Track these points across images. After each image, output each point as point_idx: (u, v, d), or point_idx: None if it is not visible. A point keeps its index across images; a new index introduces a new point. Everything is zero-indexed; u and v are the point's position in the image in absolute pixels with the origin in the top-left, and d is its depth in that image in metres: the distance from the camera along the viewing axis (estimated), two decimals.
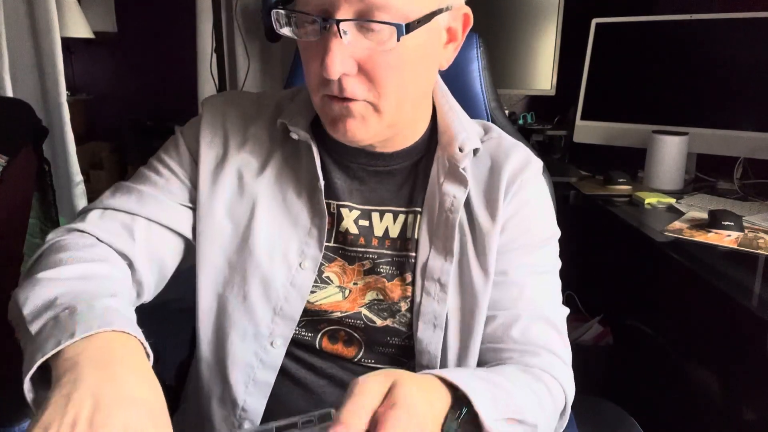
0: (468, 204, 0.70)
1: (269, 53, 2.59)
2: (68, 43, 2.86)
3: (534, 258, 0.71)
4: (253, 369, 0.69)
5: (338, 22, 0.55)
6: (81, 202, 2.12)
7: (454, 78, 0.95)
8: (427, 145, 0.73)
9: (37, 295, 0.55)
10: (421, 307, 0.68)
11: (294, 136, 0.69)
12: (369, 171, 0.71)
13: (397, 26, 0.55)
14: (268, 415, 0.69)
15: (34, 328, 0.52)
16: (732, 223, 1.17)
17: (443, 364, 0.69)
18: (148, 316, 0.78)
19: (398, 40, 0.56)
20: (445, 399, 0.51)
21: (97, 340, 0.49)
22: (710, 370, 1.50)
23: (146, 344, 0.52)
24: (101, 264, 0.62)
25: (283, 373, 0.71)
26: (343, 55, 0.56)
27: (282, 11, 0.59)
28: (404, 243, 0.71)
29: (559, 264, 0.74)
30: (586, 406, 0.81)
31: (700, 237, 1.17)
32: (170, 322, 0.82)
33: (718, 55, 1.54)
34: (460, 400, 0.52)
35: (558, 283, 0.74)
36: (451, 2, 0.61)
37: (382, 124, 0.63)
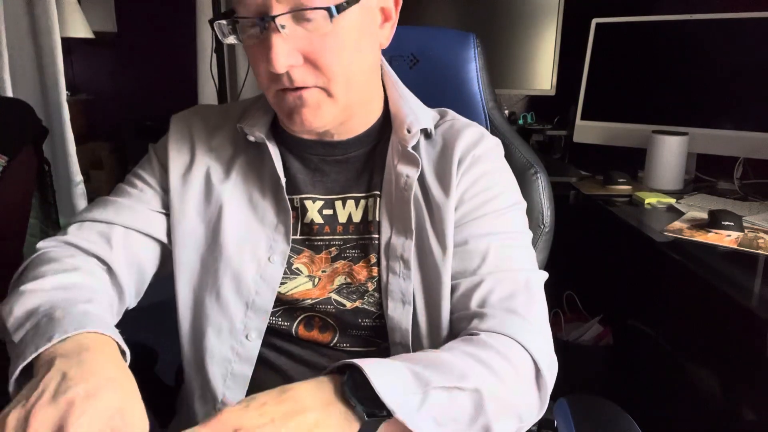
0: (423, 183, 0.72)
1: None
2: (68, 43, 2.86)
3: (495, 225, 0.71)
4: (230, 363, 0.72)
5: (274, 18, 0.59)
6: (81, 202, 2.12)
7: (452, 77, 0.95)
8: (380, 131, 0.76)
9: (19, 307, 0.60)
10: (389, 286, 0.71)
11: (251, 138, 0.73)
12: (328, 161, 0.75)
13: (327, 9, 0.59)
14: None
15: (17, 337, 0.57)
16: (732, 223, 1.17)
17: (415, 340, 0.71)
18: (147, 317, 0.78)
19: (331, 20, 0.60)
20: (330, 383, 0.54)
21: (72, 341, 0.54)
22: (710, 370, 1.50)
23: (121, 342, 0.57)
24: (79, 273, 0.67)
25: (263, 362, 0.73)
26: (286, 48, 0.60)
27: (223, 21, 0.63)
28: (366, 226, 0.74)
29: (527, 232, 0.75)
30: (584, 404, 0.81)
31: (700, 237, 1.17)
32: (168, 322, 0.82)
33: (718, 55, 1.54)
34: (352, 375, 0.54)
35: (527, 248, 0.73)
36: None
37: (337, 107, 0.66)
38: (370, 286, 0.72)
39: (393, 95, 0.76)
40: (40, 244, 0.72)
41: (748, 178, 1.55)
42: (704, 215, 1.25)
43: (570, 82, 1.79)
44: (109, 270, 0.71)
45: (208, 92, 2.48)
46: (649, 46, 1.65)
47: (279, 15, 0.59)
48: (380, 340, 0.73)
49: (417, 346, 0.71)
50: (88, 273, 0.68)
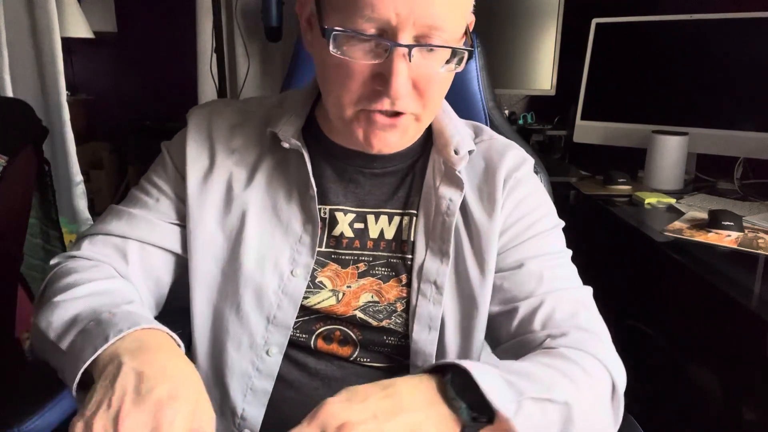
0: (464, 205, 0.70)
1: (269, 53, 2.59)
2: (68, 43, 2.85)
3: (544, 246, 0.70)
4: (250, 378, 0.69)
5: (411, 47, 0.55)
6: (81, 202, 2.12)
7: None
8: (422, 148, 0.73)
9: (58, 318, 0.58)
10: (417, 309, 0.69)
11: (285, 145, 0.69)
12: (365, 173, 0.72)
13: (468, 50, 0.59)
14: (266, 420, 0.69)
15: (64, 344, 0.55)
16: (732, 223, 1.17)
17: None
18: (159, 320, 0.77)
19: (467, 61, 0.59)
20: (432, 382, 0.52)
21: (130, 338, 0.52)
22: (710, 370, 1.50)
23: (175, 336, 0.56)
24: (110, 280, 0.65)
25: (278, 377, 0.71)
26: (406, 75, 0.57)
27: (342, 33, 0.57)
28: (399, 245, 0.71)
29: (569, 251, 0.74)
30: None
31: (700, 237, 1.17)
32: (171, 319, 0.82)
33: (718, 55, 1.54)
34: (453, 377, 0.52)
35: (573, 266, 0.72)
36: (471, 9, 0.63)
37: (419, 132, 0.66)
38: (399, 307, 0.70)
39: (438, 111, 0.73)
40: (54, 261, 0.69)
41: (748, 178, 1.55)
42: (704, 215, 1.25)
43: (570, 82, 1.79)
44: None
45: (208, 92, 2.48)
46: (649, 46, 1.65)
47: (415, 45, 0.56)
48: (402, 358, 0.71)
49: None
50: (119, 279, 0.67)
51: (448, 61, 0.59)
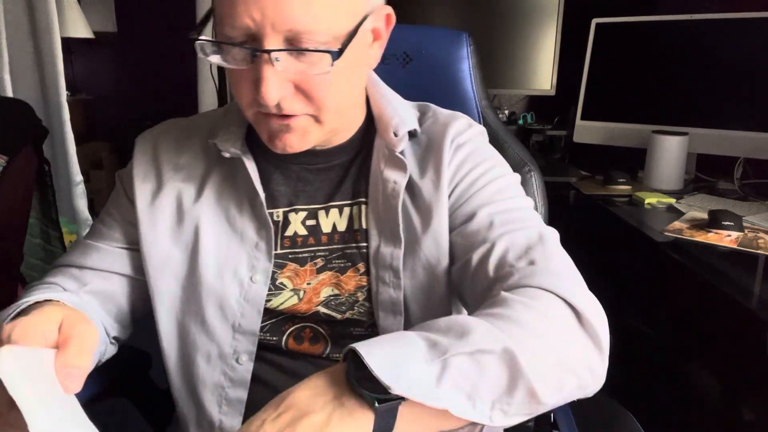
0: (411, 185, 0.70)
1: None
2: (68, 43, 2.85)
3: (494, 195, 0.68)
4: (224, 389, 0.70)
5: (269, 51, 0.55)
6: (81, 202, 2.12)
7: (445, 76, 0.96)
8: (365, 136, 0.73)
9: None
10: (379, 296, 0.69)
11: (225, 154, 0.70)
12: (311, 170, 0.72)
13: (332, 53, 0.56)
14: None
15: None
16: (732, 223, 1.17)
17: None
18: (140, 321, 0.78)
19: (332, 64, 0.57)
20: (336, 375, 0.49)
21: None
22: (710, 370, 1.50)
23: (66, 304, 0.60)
24: (53, 293, 0.68)
25: (255, 380, 0.71)
26: (278, 80, 0.57)
27: (206, 41, 0.59)
28: (353, 234, 0.71)
29: (528, 198, 0.71)
30: (585, 401, 0.81)
31: (700, 237, 1.17)
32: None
33: (718, 55, 1.54)
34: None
35: (532, 210, 0.69)
36: (372, 7, 0.61)
37: (324, 131, 0.64)
38: (360, 296, 0.70)
39: (375, 96, 0.73)
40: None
41: (748, 178, 1.55)
42: (704, 215, 1.25)
43: (570, 82, 1.79)
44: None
45: (208, 92, 2.48)
46: (649, 46, 1.65)
47: (277, 50, 0.55)
48: None
49: None
50: (63, 293, 0.69)
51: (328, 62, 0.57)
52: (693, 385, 1.56)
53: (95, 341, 0.52)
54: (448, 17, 1.89)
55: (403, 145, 0.70)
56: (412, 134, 0.72)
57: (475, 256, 0.64)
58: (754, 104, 1.48)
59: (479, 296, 0.62)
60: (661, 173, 1.52)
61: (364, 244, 0.70)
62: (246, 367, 0.70)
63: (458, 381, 0.47)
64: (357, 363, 0.46)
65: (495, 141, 0.92)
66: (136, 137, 0.78)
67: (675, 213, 1.35)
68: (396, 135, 0.70)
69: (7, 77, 1.86)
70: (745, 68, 1.49)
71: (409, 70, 0.96)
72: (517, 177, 0.73)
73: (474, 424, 0.49)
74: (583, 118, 1.75)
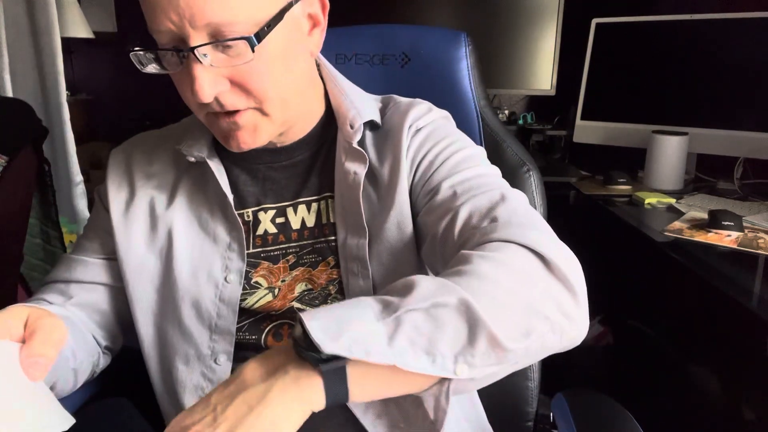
0: (372, 175, 0.70)
1: None
2: (68, 43, 2.85)
3: (455, 167, 0.68)
4: (203, 390, 0.70)
5: (193, 49, 0.56)
6: (81, 202, 2.12)
7: (443, 76, 0.95)
8: (325, 130, 0.74)
9: None
10: (349, 287, 0.69)
11: (191, 159, 0.71)
12: (275, 168, 0.73)
13: (248, 39, 0.56)
14: None
15: None
16: (732, 223, 1.17)
17: None
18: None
19: (253, 50, 0.57)
20: (283, 348, 0.48)
21: None
22: (710, 370, 1.50)
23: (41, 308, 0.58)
24: (56, 308, 0.71)
25: None
26: (210, 77, 0.57)
27: (140, 52, 0.60)
28: (321, 229, 0.72)
29: (495, 168, 0.70)
30: (583, 400, 0.81)
31: (700, 237, 1.17)
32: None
33: (718, 55, 1.54)
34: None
35: (494, 176, 0.68)
36: None
37: (275, 124, 0.65)
38: (332, 289, 0.71)
39: (333, 91, 0.73)
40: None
41: (748, 178, 1.55)
42: (704, 215, 1.25)
43: (570, 82, 1.79)
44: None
45: None
46: (649, 46, 1.65)
47: (198, 46, 0.56)
48: None
49: None
50: (50, 307, 0.71)
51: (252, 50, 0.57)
52: (693, 384, 1.56)
53: (62, 334, 0.52)
54: (447, 17, 1.89)
55: (359, 137, 0.70)
56: (374, 126, 0.73)
57: (440, 228, 0.62)
58: (754, 104, 1.48)
59: (448, 267, 0.58)
60: (661, 173, 1.52)
61: (333, 238, 0.71)
62: (224, 368, 0.70)
63: (413, 337, 0.45)
64: (305, 331, 0.44)
65: (493, 141, 0.93)
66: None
67: (675, 213, 1.35)
68: (352, 127, 0.70)
69: (7, 77, 1.85)
70: (745, 68, 1.49)
71: (407, 70, 0.96)
72: (481, 150, 0.72)
73: (441, 382, 0.48)
74: (583, 118, 1.75)
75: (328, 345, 0.43)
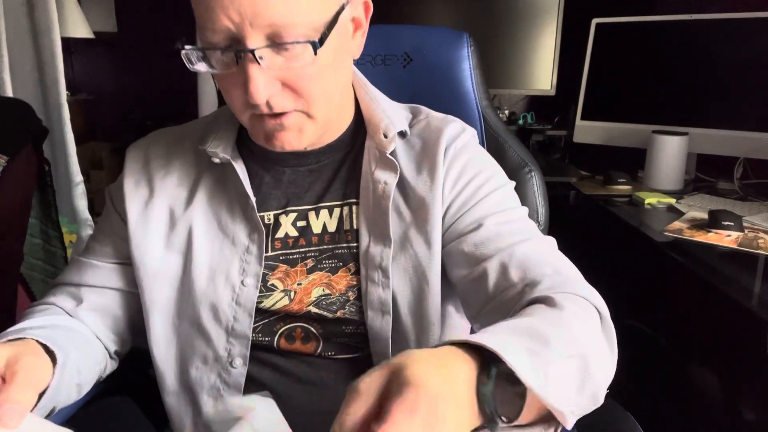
0: (402, 187, 0.70)
1: None
2: (68, 43, 2.86)
3: (497, 204, 0.70)
4: (219, 391, 0.71)
5: (252, 50, 0.55)
6: (81, 202, 2.12)
7: (445, 76, 0.96)
8: (354, 136, 0.74)
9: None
10: (368, 296, 0.69)
11: (216, 160, 0.71)
12: (301, 171, 0.73)
13: (312, 43, 0.56)
14: None
15: None
16: (732, 223, 1.18)
17: (399, 348, 0.69)
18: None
19: (315, 53, 0.57)
20: (468, 367, 0.43)
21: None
22: (710, 370, 1.50)
23: (54, 349, 0.59)
24: (54, 316, 0.71)
25: (249, 379, 0.71)
26: (265, 78, 0.57)
27: (192, 49, 0.59)
28: (343, 235, 0.71)
29: (524, 208, 0.73)
30: None
31: (700, 237, 1.17)
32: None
33: (718, 55, 1.54)
34: (488, 361, 0.44)
35: (532, 222, 0.72)
36: None
37: (318, 126, 0.65)
38: (351, 296, 0.70)
39: (364, 98, 0.74)
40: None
41: (748, 178, 1.55)
42: (704, 215, 1.25)
43: (570, 82, 1.79)
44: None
45: (208, 93, 2.48)
46: (649, 46, 1.65)
47: (258, 48, 0.56)
48: (364, 345, 0.71)
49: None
50: (62, 316, 0.72)
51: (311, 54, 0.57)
52: (693, 385, 1.56)
53: (43, 377, 0.53)
54: (449, 17, 1.90)
55: (393, 146, 0.71)
56: (402, 135, 0.73)
57: (493, 266, 0.65)
58: (754, 104, 1.48)
59: (503, 302, 0.63)
60: (661, 173, 1.52)
61: (355, 244, 0.71)
62: (240, 372, 0.71)
63: (557, 389, 0.46)
64: (496, 370, 0.43)
65: (495, 141, 0.93)
66: (135, 137, 0.78)
67: (675, 213, 1.35)
68: (386, 136, 0.70)
69: (7, 77, 1.85)
70: (745, 68, 1.50)
71: (409, 70, 0.96)
72: (512, 184, 0.75)
73: (548, 422, 0.49)
74: (583, 118, 1.75)
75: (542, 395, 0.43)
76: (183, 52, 0.59)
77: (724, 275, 1.05)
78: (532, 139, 1.98)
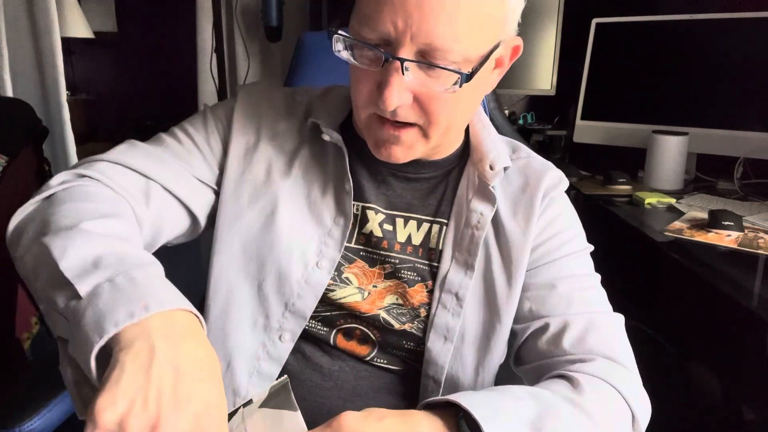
0: (496, 219, 0.71)
1: (269, 53, 2.59)
2: (68, 43, 2.85)
3: (575, 268, 0.71)
4: (258, 360, 0.69)
5: (404, 60, 0.55)
6: None
7: None
8: (458, 160, 0.74)
9: (77, 250, 0.50)
10: (435, 318, 0.69)
11: (326, 137, 0.70)
12: (398, 176, 0.72)
13: (462, 75, 0.56)
14: None
15: (84, 288, 0.47)
16: (732, 223, 1.17)
17: (454, 377, 0.69)
18: None
19: (460, 86, 0.57)
20: (438, 423, 0.52)
21: (166, 317, 0.47)
22: (710, 370, 1.50)
23: (200, 317, 0.50)
24: (131, 223, 0.60)
25: (286, 370, 0.70)
26: (401, 88, 0.57)
27: (343, 36, 0.59)
28: (427, 252, 0.71)
29: (597, 275, 0.74)
30: None
31: (700, 237, 1.17)
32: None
33: (718, 55, 1.54)
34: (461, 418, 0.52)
35: (603, 291, 0.73)
36: (506, 35, 0.61)
37: (428, 146, 0.65)
38: (422, 313, 0.70)
39: (476, 125, 0.74)
40: (61, 178, 0.62)
41: (748, 178, 1.55)
42: (704, 215, 1.25)
43: (570, 82, 1.79)
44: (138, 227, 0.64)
45: (208, 92, 2.49)
46: (649, 46, 1.65)
47: (410, 60, 0.55)
48: (417, 363, 0.71)
49: (449, 384, 0.69)
50: (135, 226, 0.61)
51: (455, 82, 0.57)
52: (693, 385, 1.56)
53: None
54: None
55: (498, 180, 0.71)
56: (504, 169, 0.73)
57: (552, 327, 0.67)
58: (754, 104, 1.48)
59: (548, 365, 0.66)
60: (661, 173, 1.52)
61: (436, 264, 0.71)
62: (287, 346, 0.69)
63: None
64: (471, 424, 0.50)
65: None
66: (136, 137, 0.75)
67: (675, 213, 1.35)
68: (492, 168, 0.70)
69: (7, 77, 1.86)
70: (745, 68, 1.50)
71: None
72: (591, 248, 0.76)
73: None
74: (583, 118, 1.75)
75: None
76: (335, 36, 0.59)
77: (724, 275, 1.05)
78: (532, 139, 1.98)
